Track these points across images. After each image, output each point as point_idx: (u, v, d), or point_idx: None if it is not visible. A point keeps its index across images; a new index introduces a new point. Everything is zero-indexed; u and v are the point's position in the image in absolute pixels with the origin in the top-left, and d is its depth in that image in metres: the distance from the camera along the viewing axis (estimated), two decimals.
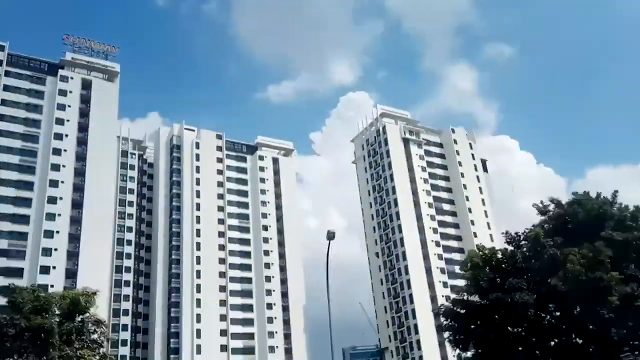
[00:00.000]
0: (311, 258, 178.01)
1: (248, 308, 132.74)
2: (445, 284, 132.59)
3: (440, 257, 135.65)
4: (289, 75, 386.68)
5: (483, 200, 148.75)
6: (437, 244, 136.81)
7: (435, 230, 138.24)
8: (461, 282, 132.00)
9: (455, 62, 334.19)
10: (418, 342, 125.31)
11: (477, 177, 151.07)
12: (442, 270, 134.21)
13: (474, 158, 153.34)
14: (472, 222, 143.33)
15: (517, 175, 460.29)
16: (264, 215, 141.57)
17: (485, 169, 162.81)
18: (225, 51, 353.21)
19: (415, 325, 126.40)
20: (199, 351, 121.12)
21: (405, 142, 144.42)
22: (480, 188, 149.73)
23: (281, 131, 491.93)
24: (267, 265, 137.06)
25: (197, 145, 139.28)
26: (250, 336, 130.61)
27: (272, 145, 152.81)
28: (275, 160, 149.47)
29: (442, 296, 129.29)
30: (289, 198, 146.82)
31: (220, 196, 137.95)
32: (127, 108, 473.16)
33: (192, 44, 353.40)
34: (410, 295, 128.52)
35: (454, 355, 75.04)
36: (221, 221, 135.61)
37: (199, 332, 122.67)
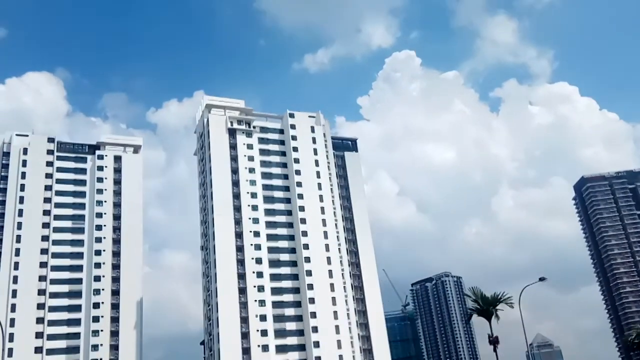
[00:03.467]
0: None
1: (75, 308, 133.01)
2: (260, 274, 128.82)
3: (258, 247, 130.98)
4: (323, 43, 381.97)
5: (320, 184, 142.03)
6: (257, 234, 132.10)
7: (256, 220, 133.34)
8: (285, 270, 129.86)
9: (493, 13, 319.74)
10: (218, 334, 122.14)
11: (316, 161, 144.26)
12: (258, 260, 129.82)
13: (314, 142, 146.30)
14: (302, 208, 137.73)
15: (578, 123, 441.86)
16: (99, 215, 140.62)
17: (345, 150, 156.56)
18: (253, 26, 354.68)
19: (217, 319, 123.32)
20: (10, 354, 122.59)
21: (232, 132, 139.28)
22: (317, 172, 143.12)
23: (323, 99, 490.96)
24: (98, 265, 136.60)
25: (25, 151, 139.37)
26: (76, 336, 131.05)
27: (117, 142, 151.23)
28: (117, 159, 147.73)
29: (254, 286, 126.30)
30: (131, 195, 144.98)
31: (48, 200, 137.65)
32: (176, 90, 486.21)
33: (221, 22, 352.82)
34: (216, 289, 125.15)
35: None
36: (46, 225, 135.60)
37: (11, 335, 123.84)
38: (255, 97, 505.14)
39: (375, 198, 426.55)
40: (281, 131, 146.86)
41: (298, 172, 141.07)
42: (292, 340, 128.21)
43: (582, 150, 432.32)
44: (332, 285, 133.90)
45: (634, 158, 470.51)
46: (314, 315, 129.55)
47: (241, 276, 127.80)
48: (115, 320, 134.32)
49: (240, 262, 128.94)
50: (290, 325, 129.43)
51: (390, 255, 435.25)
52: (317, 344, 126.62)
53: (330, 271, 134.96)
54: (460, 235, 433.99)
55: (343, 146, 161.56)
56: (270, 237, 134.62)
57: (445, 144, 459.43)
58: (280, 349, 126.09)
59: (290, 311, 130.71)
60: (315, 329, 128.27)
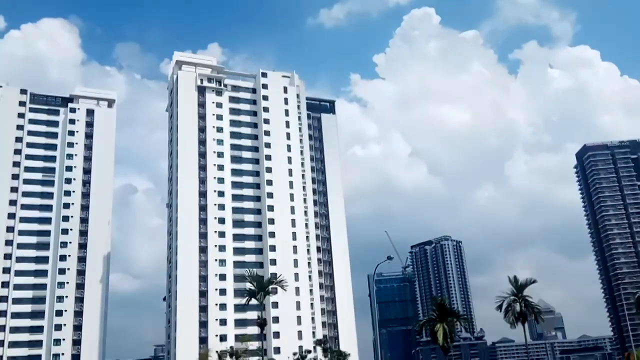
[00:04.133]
0: None
1: (43, 260, 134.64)
2: (222, 234, 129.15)
3: (222, 207, 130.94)
4: None
5: (289, 146, 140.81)
6: (221, 193, 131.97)
7: (221, 180, 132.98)
8: (249, 231, 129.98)
9: None
10: (176, 291, 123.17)
11: (287, 122, 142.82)
12: (221, 220, 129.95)
13: (287, 103, 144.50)
14: (269, 170, 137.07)
15: (598, 89, 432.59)
16: (69, 169, 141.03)
17: (322, 112, 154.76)
18: None
19: (176, 276, 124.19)
20: None
21: (201, 90, 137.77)
22: (288, 134, 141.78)
23: (338, 55, 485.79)
24: (66, 218, 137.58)
25: None
26: (42, 287, 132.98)
27: (90, 96, 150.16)
28: (90, 112, 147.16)
29: (215, 246, 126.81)
30: (103, 150, 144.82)
31: (18, 152, 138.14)
32: (189, 42, 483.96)
33: None
34: (177, 247, 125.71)
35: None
36: (16, 176, 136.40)
37: None
38: (270, 50, 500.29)
39: (386, 158, 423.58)
40: (254, 90, 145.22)
41: (267, 133, 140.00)
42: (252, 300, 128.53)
43: (601, 116, 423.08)
44: (295, 247, 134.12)
45: None
46: (273, 276, 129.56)
47: (203, 235, 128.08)
48: (81, 273, 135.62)
49: (203, 221, 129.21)
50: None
51: (399, 217, 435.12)
52: (275, 305, 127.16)
53: (294, 233, 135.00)
54: (471, 199, 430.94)
55: (320, 108, 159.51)
56: (235, 198, 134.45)
57: (461, 106, 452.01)
58: (240, 308, 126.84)
59: (252, 272, 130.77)
60: (274, 290, 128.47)
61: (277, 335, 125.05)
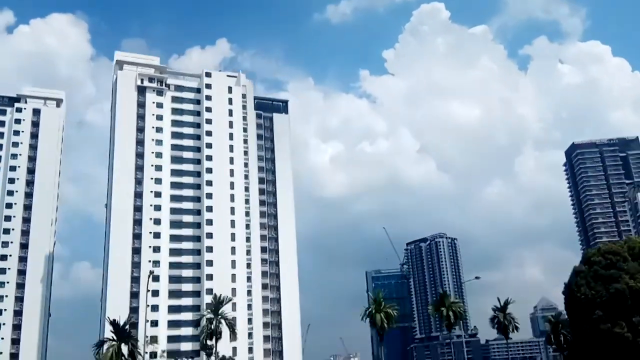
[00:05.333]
0: None
1: None
2: (157, 235, 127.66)
3: (158, 207, 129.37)
4: None
5: (232, 146, 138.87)
6: (158, 194, 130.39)
7: (159, 181, 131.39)
8: (187, 232, 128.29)
9: None
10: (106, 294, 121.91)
11: (230, 122, 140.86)
12: (157, 221, 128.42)
13: (231, 103, 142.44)
14: (209, 170, 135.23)
15: (608, 84, 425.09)
16: (13, 168, 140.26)
17: (274, 112, 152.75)
18: None
19: (106, 277, 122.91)
20: None
21: (141, 90, 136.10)
22: (231, 134, 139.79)
23: (347, 50, 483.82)
24: (8, 218, 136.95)
25: None
26: None
27: (38, 95, 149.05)
28: (36, 112, 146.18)
29: (150, 247, 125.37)
30: (48, 149, 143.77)
31: None
32: (197, 38, 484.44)
33: None
34: (109, 248, 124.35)
35: None
36: None
37: None
38: (278, 46, 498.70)
39: (394, 154, 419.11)
40: (198, 90, 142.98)
41: (209, 133, 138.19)
42: (187, 302, 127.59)
43: (611, 112, 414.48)
44: (233, 248, 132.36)
45: None
46: (210, 277, 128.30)
47: (137, 236, 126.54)
48: (22, 272, 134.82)
49: (138, 222, 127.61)
50: (187, 287, 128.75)
51: (407, 213, 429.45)
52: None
53: (233, 234, 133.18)
54: (480, 195, 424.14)
55: (272, 107, 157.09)
56: (174, 198, 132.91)
57: (470, 102, 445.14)
58: (174, 309, 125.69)
59: (188, 272, 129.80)
60: (209, 291, 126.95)
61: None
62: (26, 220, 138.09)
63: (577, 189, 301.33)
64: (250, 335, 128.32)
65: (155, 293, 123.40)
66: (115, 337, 72.33)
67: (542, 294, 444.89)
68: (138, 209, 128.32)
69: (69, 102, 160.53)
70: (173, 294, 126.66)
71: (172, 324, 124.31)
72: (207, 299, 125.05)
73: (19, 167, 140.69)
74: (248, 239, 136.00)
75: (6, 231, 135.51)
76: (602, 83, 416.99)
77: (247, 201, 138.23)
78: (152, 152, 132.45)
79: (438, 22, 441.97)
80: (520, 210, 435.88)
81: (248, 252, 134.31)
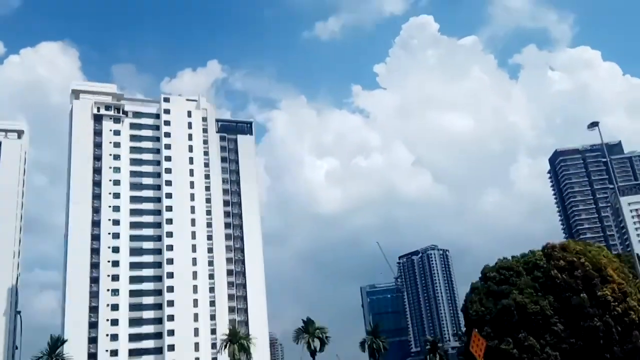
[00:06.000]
0: None
1: None
2: (115, 263, 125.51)
3: (117, 235, 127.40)
4: (332, 12, 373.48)
5: (192, 170, 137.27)
6: (116, 222, 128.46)
7: (117, 208, 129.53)
8: (148, 259, 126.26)
9: None
10: (63, 324, 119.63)
11: (190, 147, 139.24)
12: (115, 249, 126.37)
13: (190, 127, 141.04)
14: (169, 196, 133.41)
15: (600, 89, 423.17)
16: None
17: (238, 134, 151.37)
18: None
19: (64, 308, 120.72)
20: None
21: (98, 118, 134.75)
22: (191, 158, 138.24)
23: (338, 67, 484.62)
24: None
25: None
26: None
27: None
28: None
29: (108, 275, 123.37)
30: (8, 181, 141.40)
31: None
32: (188, 60, 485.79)
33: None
34: (65, 279, 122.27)
35: None
36: None
37: None
38: (270, 65, 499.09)
39: (390, 168, 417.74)
40: (157, 116, 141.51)
41: (168, 159, 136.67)
42: (148, 329, 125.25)
43: (604, 117, 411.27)
44: (195, 273, 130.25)
45: None
46: (171, 303, 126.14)
47: (95, 265, 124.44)
48: None
49: (95, 251, 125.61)
50: (148, 314, 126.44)
51: (405, 226, 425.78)
52: (171, 332, 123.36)
53: (194, 259, 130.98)
54: (477, 205, 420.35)
55: (236, 129, 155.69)
56: (134, 225, 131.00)
57: (463, 113, 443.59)
58: (134, 338, 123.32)
59: (149, 299, 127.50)
60: (171, 317, 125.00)
61: None
62: None
63: (562, 195, 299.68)
64: (213, 345, 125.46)
65: (115, 322, 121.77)
66: None
67: None
68: (96, 237, 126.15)
69: None
70: (134, 322, 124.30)
71: (134, 353, 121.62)
72: (169, 325, 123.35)
73: None
74: (211, 263, 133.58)
75: None
76: (594, 88, 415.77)
77: (209, 224, 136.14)
78: (110, 180, 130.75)
79: (427, 34, 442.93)
80: (517, 217, 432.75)
81: (212, 290, 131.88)
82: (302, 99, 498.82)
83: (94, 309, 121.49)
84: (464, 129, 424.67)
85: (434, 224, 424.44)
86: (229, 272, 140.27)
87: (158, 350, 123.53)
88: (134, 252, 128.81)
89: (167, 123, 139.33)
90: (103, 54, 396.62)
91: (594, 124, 38.88)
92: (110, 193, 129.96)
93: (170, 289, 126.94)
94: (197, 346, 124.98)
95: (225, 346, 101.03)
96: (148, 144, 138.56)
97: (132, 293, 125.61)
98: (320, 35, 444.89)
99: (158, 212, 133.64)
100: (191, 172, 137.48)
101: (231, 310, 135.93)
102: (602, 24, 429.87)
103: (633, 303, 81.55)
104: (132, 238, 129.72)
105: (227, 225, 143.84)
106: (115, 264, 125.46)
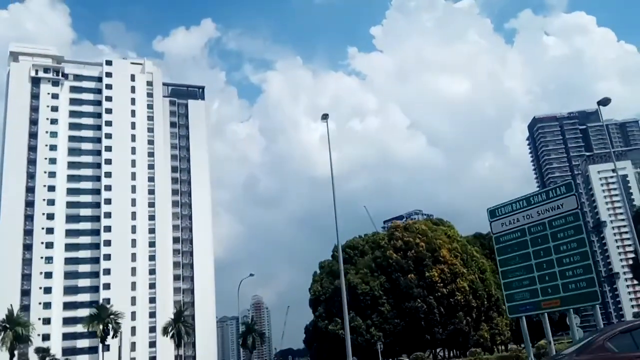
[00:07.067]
0: None
1: None
2: (50, 230, 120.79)
3: (52, 202, 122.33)
4: None
5: (134, 136, 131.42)
6: (52, 188, 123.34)
7: (52, 174, 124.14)
8: (85, 226, 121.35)
9: None
10: None
11: (133, 111, 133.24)
12: (50, 216, 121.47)
13: (133, 91, 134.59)
14: (109, 161, 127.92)
15: (594, 55, 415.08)
16: None
17: (189, 98, 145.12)
18: None
19: None
20: None
21: (35, 81, 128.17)
22: (133, 123, 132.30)
23: (334, 28, 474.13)
24: None
25: None
26: None
27: None
28: None
29: (42, 242, 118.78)
30: None
31: None
32: (180, 18, 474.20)
33: None
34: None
35: None
36: None
37: None
38: (264, 26, 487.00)
39: (385, 131, 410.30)
40: (100, 79, 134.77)
41: (109, 123, 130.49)
42: (84, 297, 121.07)
43: (597, 83, 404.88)
44: (134, 240, 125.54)
45: None
46: (107, 272, 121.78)
47: (28, 232, 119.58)
48: None
49: (29, 218, 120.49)
50: (84, 282, 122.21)
51: (399, 189, 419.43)
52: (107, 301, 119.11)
53: (134, 226, 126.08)
54: (471, 170, 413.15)
55: (188, 94, 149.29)
56: (71, 192, 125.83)
57: (458, 77, 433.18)
58: (69, 306, 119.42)
59: (85, 267, 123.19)
60: (107, 286, 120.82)
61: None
62: None
63: (539, 162, 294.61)
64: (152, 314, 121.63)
65: (48, 290, 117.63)
66: None
67: None
68: (30, 204, 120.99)
69: None
70: (69, 290, 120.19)
71: (68, 321, 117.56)
72: (105, 293, 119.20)
73: None
74: (152, 231, 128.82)
75: None
76: (588, 54, 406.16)
77: (151, 192, 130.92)
78: (47, 145, 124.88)
79: None
80: (511, 183, 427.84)
81: (152, 258, 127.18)
82: (298, 60, 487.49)
83: (26, 277, 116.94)
84: (459, 92, 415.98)
85: (428, 187, 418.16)
86: (175, 240, 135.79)
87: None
88: (70, 219, 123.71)
89: (108, 87, 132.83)
90: (93, 10, 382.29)
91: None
92: (46, 158, 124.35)
93: (107, 257, 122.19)
94: (133, 315, 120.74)
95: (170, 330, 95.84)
96: (89, 108, 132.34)
97: (68, 261, 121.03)
98: None
99: (97, 179, 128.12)
100: (133, 138, 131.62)
101: (177, 291, 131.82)
102: None
103: (462, 284, 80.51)
104: (69, 205, 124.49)
105: (174, 192, 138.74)
106: (50, 231, 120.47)
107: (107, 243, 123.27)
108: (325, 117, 38.76)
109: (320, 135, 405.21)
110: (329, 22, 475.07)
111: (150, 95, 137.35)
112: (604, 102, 35.11)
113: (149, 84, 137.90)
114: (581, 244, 28.32)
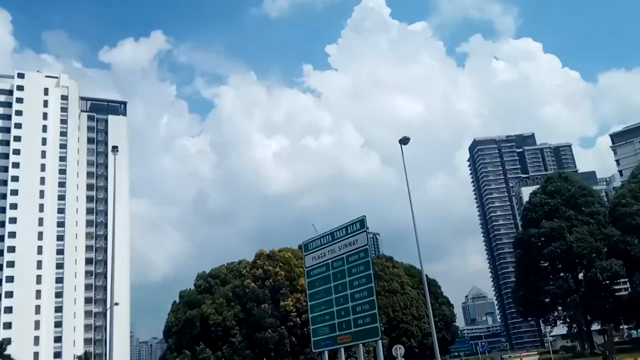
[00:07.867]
0: None
1: None
2: None
3: None
4: None
5: (44, 152, 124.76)
6: None
7: None
8: None
9: None
10: None
11: (44, 126, 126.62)
12: None
13: (46, 105, 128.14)
14: (16, 179, 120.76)
15: (540, 81, 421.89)
16: None
17: (110, 114, 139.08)
18: None
19: None
20: None
21: None
22: (44, 139, 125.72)
23: (289, 45, 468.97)
24: None
25: None
26: None
27: None
28: None
29: None
30: None
31: None
32: (130, 29, 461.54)
33: None
34: None
35: None
36: None
37: None
38: (217, 41, 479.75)
39: (339, 149, 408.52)
40: (11, 92, 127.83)
41: (18, 139, 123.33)
42: None
43: (543, 108, 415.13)
44: (39, 262, 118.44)
45: (591, 117, 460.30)
46: (9, 294, 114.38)
47: None
48: None
49: None
50: None
51: (353, 207, 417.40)
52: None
53: (40, 247, 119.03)
54: (424, 189, 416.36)
55: (108, 109, 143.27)
56: None
57: (412, 97, 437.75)
58: None
59: None
60: (9, 310, 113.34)
61: None
62: None
63: (479, 183, 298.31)
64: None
65: None
66: None
67: (471, 284, 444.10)
68: None
69: None
70: None
71: None
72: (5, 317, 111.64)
73: None
74: (61, 253, 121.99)
75: None
76: (535, 79, 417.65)
77: (61, 210, 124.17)
78: None
79: (379, 18, 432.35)
80: (463, 201, 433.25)
81: (59, 280, 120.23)
82: (252, 75, 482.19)
83: None
84: (413, 113, 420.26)
85: (381, 206, 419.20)
86: (88, 261, 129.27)
87: None
88: None
89: (19, 100, 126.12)
90: (36, 18, 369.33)
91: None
92: None
93: (10, 279, 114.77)
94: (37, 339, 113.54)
95: None
96: None
97: None
98: (269, 12, 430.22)
99: (3, 196, 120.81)
100: (43, 154, 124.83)
101: (87, 314, 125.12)
102: (544, 17, 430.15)
103: None
104: None
105: (89, 211, 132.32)
106: None
107: (11, 264, 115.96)
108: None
109: (273, 152, 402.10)
110: (285, 39, 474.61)
111: (64, 109, 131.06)
112: (404, 140, 36.59)
113: (64, 97, 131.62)
114: (369, 280, 28.36)
